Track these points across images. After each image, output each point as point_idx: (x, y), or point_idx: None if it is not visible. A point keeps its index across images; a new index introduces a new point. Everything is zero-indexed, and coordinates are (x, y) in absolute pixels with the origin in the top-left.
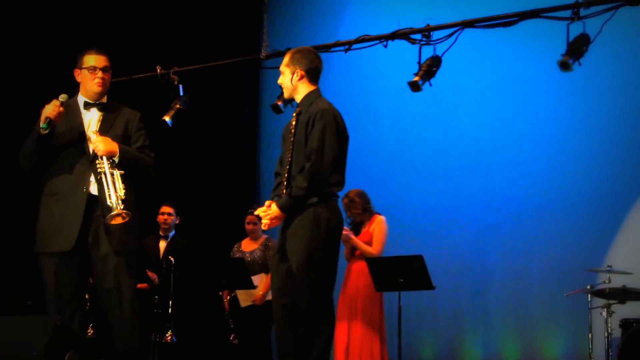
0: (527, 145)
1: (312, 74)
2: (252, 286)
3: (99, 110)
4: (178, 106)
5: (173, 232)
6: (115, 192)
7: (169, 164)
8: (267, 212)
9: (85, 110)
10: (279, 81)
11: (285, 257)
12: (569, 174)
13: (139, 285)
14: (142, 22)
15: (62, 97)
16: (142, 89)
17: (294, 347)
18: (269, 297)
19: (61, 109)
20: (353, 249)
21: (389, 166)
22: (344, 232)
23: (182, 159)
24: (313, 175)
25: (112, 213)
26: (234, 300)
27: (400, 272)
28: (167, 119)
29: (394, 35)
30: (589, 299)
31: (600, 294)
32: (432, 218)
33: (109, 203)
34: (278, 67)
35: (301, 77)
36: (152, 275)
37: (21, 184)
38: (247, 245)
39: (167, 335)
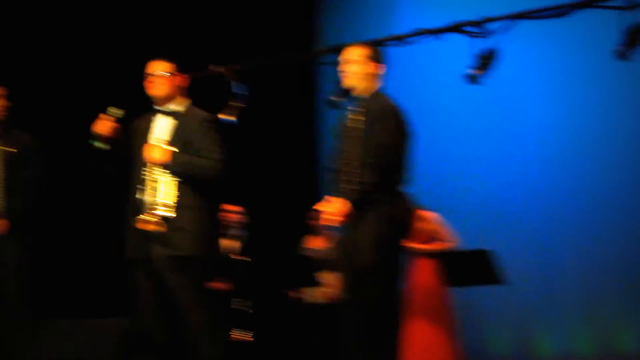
0: (592, 136)
1: (380, 72)
2: (319, 284)
3: (167, 116)
4: (236, 104)
5: (242, 231)
6: (153, 199)
7: (232, 161)
8: (329, 208)
9: (155, 118)
10: (343, 69)
11: (350, 254)
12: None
13: (217, 286)
14: (198, 19)
15: (111, 110)
16: (199, 87)
17: (362, 345)
18: (334, 295)
19: (108, 122)
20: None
21: (450, 160)
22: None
23: (241, 157)
24: (379, 171)
25: (140, 216)
26: (304, 298)
27: (469, 267)
28: (226, 116)
29: (449, 29)
30: None
31: None
32: (499, 212)
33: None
34: (334, 63)
35: (371, 72)
36: (221, 284)
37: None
38: (315, 243)
39: (243, 334)
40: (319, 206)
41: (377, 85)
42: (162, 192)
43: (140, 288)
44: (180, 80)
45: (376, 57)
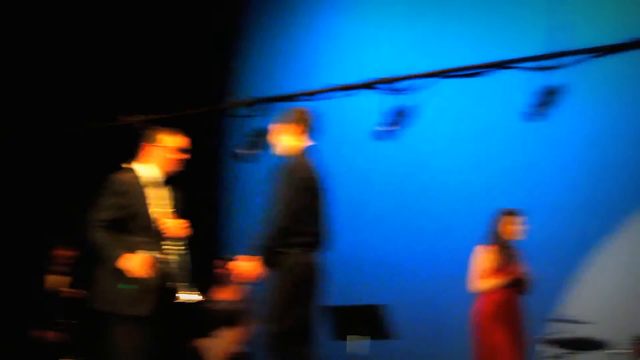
0: (504, 192)
1: (304, 132)
2: (214, 336)
3: None
4: None
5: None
6: None
7: None
8: (240, 266)
9: None
10: (271, 139)
11: (265, 309)
12: (540, 221)
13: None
14: (109, 70)
15: None
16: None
17: None
18: (234, 349)
19: None
20: None
21: (352, 216)
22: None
23: None
24: (272, 227)
25: None
26: (201, 350)
27: (361, 321)
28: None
29: (361, 85)
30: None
31: (557, 343)
32: (392, 269)
33: None
34: (244, 116)
35: (294, 135)
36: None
37: None
38: (216, 294)
39: None
40: (231, 265)
41: (300, 145)
42: None
43: None
44: None
45: (298, 120)
